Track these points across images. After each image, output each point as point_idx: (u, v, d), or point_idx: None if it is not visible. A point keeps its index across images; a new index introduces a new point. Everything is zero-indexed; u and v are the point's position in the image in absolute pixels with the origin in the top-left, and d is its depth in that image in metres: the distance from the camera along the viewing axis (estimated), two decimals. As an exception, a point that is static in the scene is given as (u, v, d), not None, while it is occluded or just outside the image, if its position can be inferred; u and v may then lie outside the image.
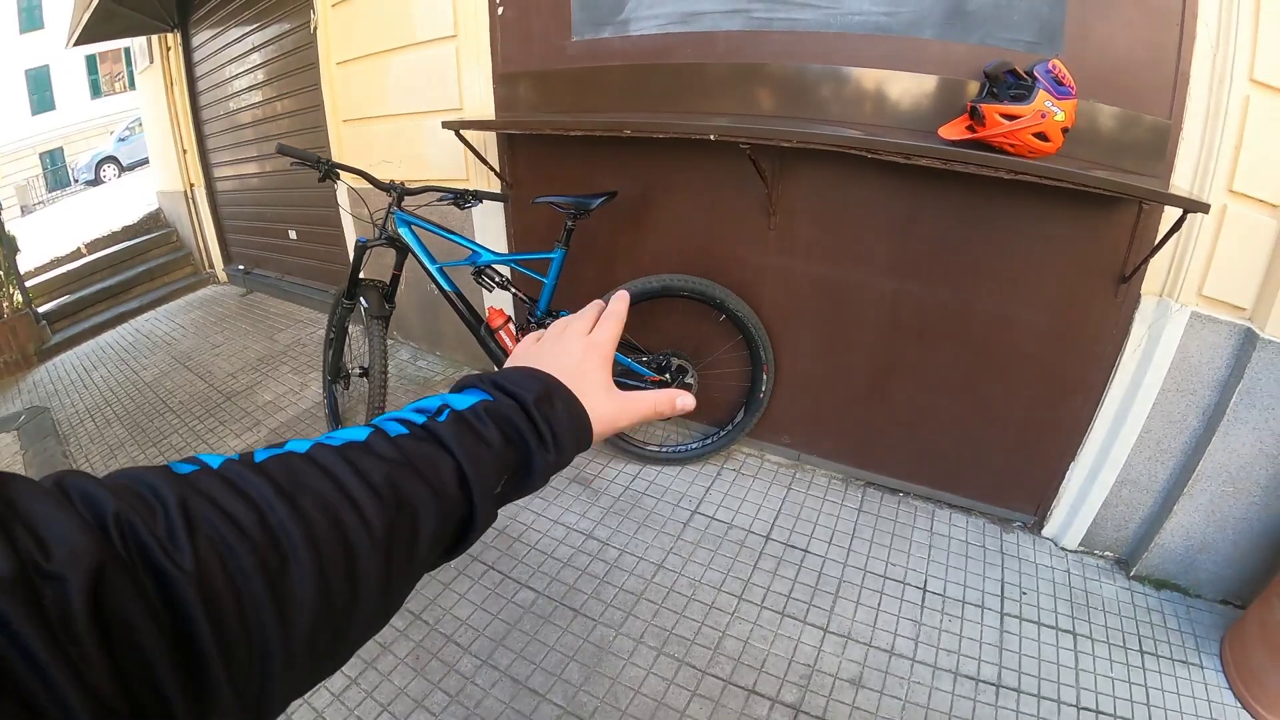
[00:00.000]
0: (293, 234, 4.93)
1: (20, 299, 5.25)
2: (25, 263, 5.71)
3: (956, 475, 2.18)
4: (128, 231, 6.60)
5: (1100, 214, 1.81)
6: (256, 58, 4.59)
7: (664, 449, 2.55)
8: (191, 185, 5.93)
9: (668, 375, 2.40)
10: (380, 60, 3.25)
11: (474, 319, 2.55)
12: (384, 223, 2.51)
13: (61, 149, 19.63)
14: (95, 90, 20.57)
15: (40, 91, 19.54)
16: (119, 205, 8.68)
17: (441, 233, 2.51)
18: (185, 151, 5.81)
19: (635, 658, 1.82)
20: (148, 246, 6.41)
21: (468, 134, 2.72)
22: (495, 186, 2.95)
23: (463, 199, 2.46)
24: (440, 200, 2.47)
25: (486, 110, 2.86)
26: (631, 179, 2.45)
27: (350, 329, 2.87)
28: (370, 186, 2.52)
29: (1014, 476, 2.10)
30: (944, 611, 1.81)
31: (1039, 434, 2.04)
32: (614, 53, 2.41)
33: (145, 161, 14.83)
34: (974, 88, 1.78)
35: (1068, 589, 1.91)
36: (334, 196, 3.95)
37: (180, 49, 5.44)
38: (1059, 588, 1.90)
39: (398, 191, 2.48)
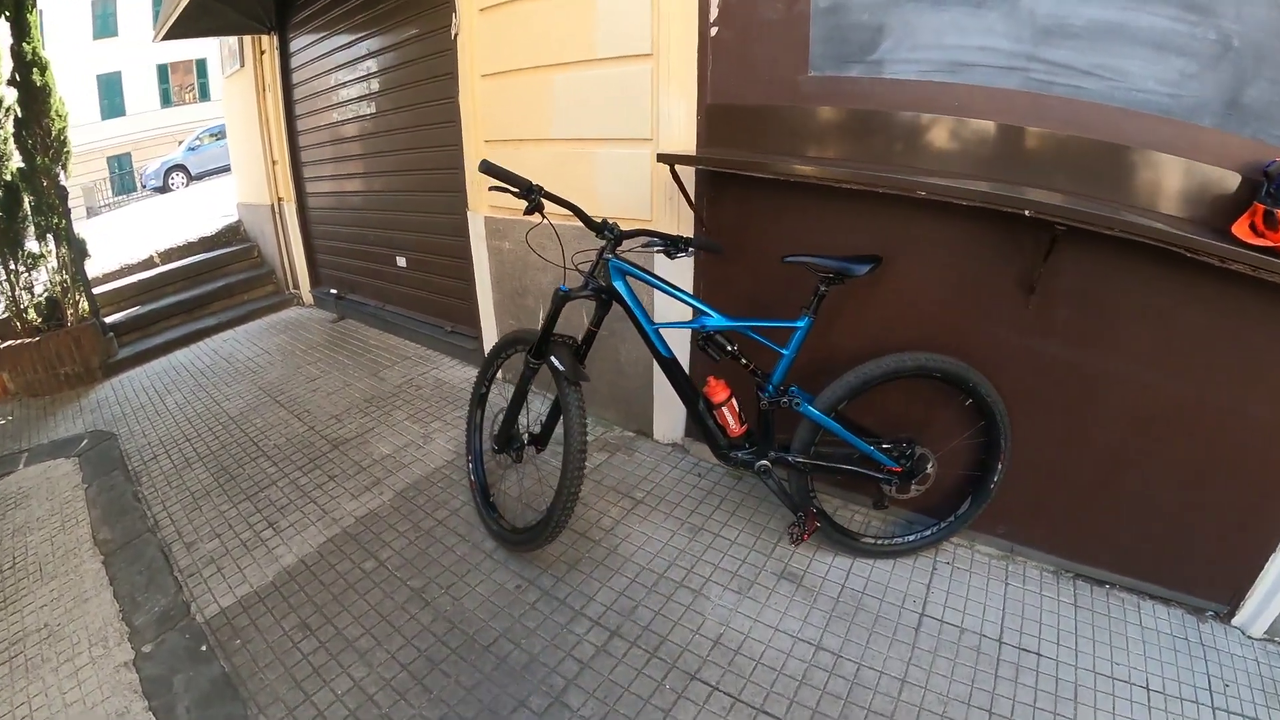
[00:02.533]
0: (401, 261, 4.54)
1: (87, 307, 4.91)
2: (93, 268, 5.38)
3: (1161, 567, 2.12)
4: (205, 243, 6.28)
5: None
6: (371, 65, 4.24)
7: (879, 541, 2.25)
8: (280, 199, 5.61)
9: (908, 463, 2.12)
10: (543, 76, 2.84)
11: (691, 392, 2.15)
12: (594, 270, 2.08)
13: (129, 155, 19.97)
14: (165, 100, 21.08)
15: (111, 97, 20.02)
16: (189, 214, 8.44)
17: (668, 289, 2.12)
18: (275, 163, 5.50)
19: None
20: (226, 260, 6.08)
21: (662, 173, 2.40)
22: (686, 231, 2.55)
23: (675, 246, 2.06)
24: (645, 247, 2.10)
25: (685, 143, 2.48)
26: (861, 238, 2.16)
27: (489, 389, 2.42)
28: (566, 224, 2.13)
29: (1215, 568, 2.07)
30: (1166, 710, 1.78)
31: (1245, 526, 1.98)
32: (860, 95, 2.13)
33: (214, 172, 15.02)
34: (1238, 182, 1.71)
35: (1259, 679, 1.90)
36: (464, 226, 3.55)
37: (276, 52, 5.15)
38: (1253, 678, 1.89)
39: (614, 235, 2.06)
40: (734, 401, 2.13)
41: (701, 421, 2.18)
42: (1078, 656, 1.90)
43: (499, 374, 2.53)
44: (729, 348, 2.08)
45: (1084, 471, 2.12)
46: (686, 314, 2.13)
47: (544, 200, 1.99)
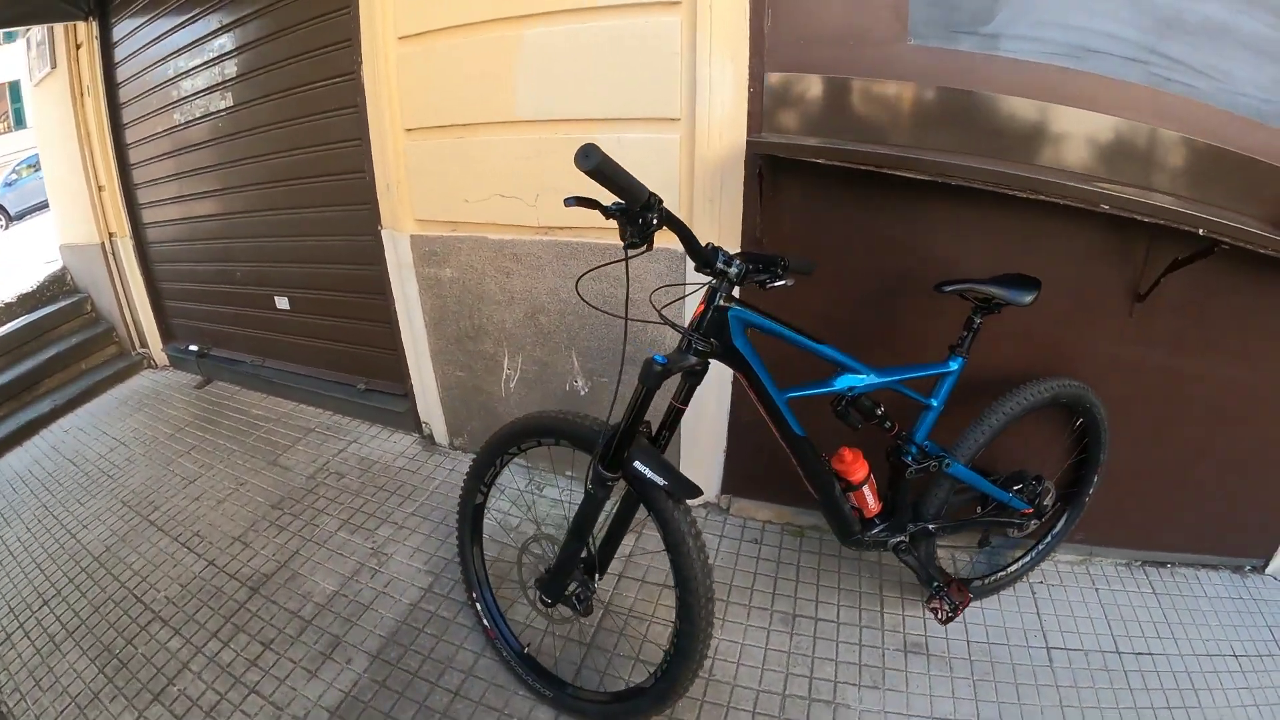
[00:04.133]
0: (282, 302, 3.59)
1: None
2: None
3: (1214, 538, 2.23)
4: (25, 302, 4.89)
5: None
6: (225, 42, 3.22)
7: (986, 580, 2.06)
8: (112, 235, 4.41)
9: (1038, 502, 1.95)
10: (504, 32, 2.09)
11: (826, 474, 1.60)
12: (702, 324, 1.37)
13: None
14: (-23, 130, 17.80)
15: (-82, 132, 16.73)
16: (9, 264, 6.85)
17: (803, 341, 1.51)
18: (102, 189, 4.30)
19: None
20: (54, 321, 4.76)
21: (700, 166, 1.98)
22: (731, 245, 2.05)
23: (770, 272, 1.39)
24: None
25: (733, 123, 1.94)
26: (964, 248, 1.95)
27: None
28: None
29: (1258, 531, 2.21)
30: (1255, 670, 1.88)
31: (1281, 493, 2.13)
32: (972, 74, 1.84)
33: (37, 208, 12.58)
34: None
35: (1298, 619, 2.06)
36: (376, 250, 2.71)
37: (97, 43, 3.97)
38: (1293, 619, 2.04)
39: (737, 270, 1.35)
40: (873, 478, 1.71)
41: (835, 507, 1.64)
42: (1177, 644, 1.95)
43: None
44: (878, 410, 1.61)
45: (1160, 467, 2.16)
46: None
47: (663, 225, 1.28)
